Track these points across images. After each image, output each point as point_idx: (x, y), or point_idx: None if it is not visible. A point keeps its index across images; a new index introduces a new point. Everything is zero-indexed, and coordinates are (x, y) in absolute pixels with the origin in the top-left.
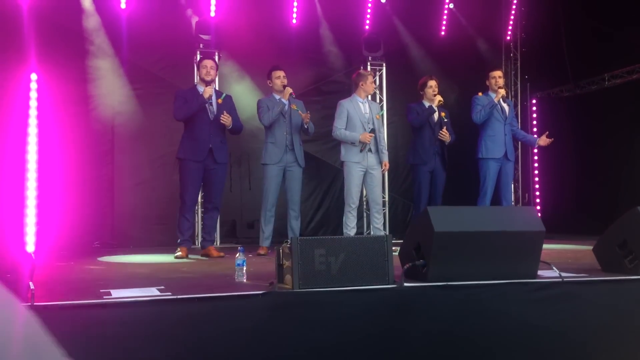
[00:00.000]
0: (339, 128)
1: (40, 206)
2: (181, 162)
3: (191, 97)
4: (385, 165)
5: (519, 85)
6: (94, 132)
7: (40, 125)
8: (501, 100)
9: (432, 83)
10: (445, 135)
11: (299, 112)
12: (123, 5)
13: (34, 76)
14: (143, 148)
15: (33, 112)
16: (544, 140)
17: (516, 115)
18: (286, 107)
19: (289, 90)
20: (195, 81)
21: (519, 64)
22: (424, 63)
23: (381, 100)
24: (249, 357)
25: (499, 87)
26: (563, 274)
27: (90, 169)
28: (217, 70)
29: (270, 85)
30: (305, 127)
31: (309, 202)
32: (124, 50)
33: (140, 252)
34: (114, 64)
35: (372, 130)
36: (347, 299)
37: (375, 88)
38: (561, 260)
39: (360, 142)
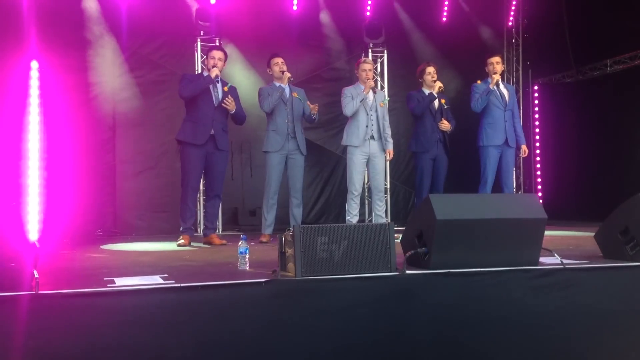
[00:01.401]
0: (346, 103)
1: (42, 195)
2: (182, 148)
3: (198, 78)
4: (389, 153)
5: (520, 72)
6: (95, 120)
7: (40, 114)
8: (501, 86)
9: (430, 69)
10: (445, 125)
11: (308, 102)
12: None
13: (34, 64)
14: (144, 136)
15: (34, 100)
16: (524, 151)
17: (518, 101)
18: (286, 92)
19: (287, 75)
20: (200, 70)
21: (520, 50)
22: (426, 50)
23: (382, 87)
24: (252, 344)
25: (494, 73)
26: (564, 261)
27: (91, 157)
28: (225, 62)
29: (270, 73)
30: (313, 117)
31: (311, 190)
32: (124, 38)
33: (142, 240)
34: (115, 51)
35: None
36: (350, 286)
37: (375, 76)
38: (563, 247)
39: (365, 90)
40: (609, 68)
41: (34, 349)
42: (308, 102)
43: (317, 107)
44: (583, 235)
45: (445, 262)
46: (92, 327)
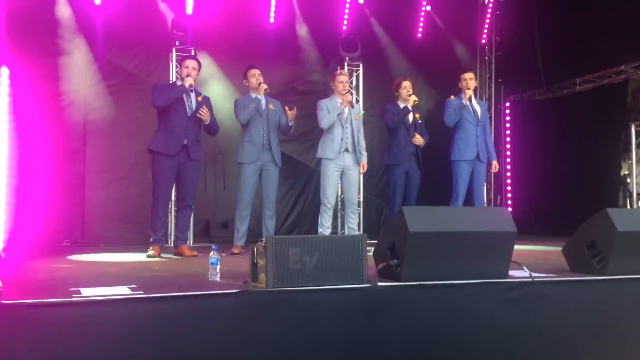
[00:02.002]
0: (323, 116)
1: (8, 204)
2: (154, 158)
3: (171, 87)
4: (363, 166)
5: (493, 88)
6: (65, 129)
7: (10, 121)
8: (473, 102)
9: (406, 84)
10: (418, 139)
11: (286, 108)
12: (98, 2)
13: (4, 70)
14: (116, 146)
15: (3, 108)
16: (495, 167)
17: (490, 117)
18: (262, 103)
19: (264, 86)
20: (173, 79)
21: (493, 67)
22: (401, 64)
23: (358, 101)
24: (222, 356)
25: (467, 88)
26: (533, 274)
27: (61, 166)
28: (199, 71)
29: (247, 84)
30: (290, 124)
31: (284, 202)
32: (98, 47)
33: (111, 250)
34: (88, 60)
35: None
36: (321, 298)
37: (350, 89)
38: (531, 261)
39: (342, 104)
40: (578, 86)
41: None
42: (287, 107)
43: (295, 112)
44: (551, 250)
45: (417, 274)
46: (57, 339)
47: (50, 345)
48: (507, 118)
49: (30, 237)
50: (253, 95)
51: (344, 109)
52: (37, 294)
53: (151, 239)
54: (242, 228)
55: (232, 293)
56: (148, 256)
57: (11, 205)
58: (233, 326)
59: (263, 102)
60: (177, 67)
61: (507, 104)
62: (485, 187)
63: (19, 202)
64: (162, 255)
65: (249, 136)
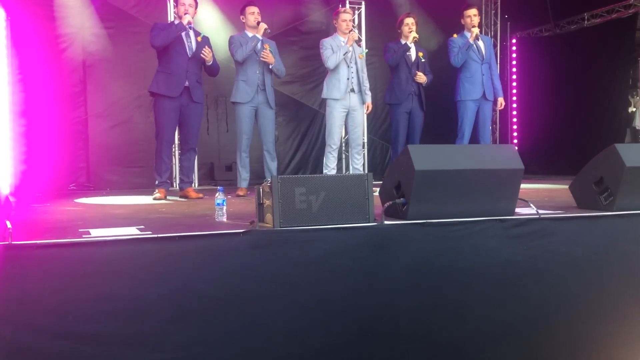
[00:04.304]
0: (328, 55)
1: (13, 149)
2: (155, 100)
3: (169, 27)
4: (368, 107)
5: (498, 25)
6: (65, 73)
7: (9, 65)
8: (476, 39)
9: (409, 20)
10: (420, 77)
11: (269, 52)
12: None
13: (1, 13)
14: (117, 89)
15: (2, 52)
16: (500, 104)
17: (495, 54)
18: (259, 44)
19: (264, 26)
20: (172, 19)
21: (499, 3)
22: (404, 1)
23: (360, 40)
24: (230, 294)
25: (473, 26)
26: (540, 211)
27: (63, 110)
28: (196, 8)
29: (244, 20)
30: (270, 67)
31: (288, 144)
32: None
33: (117, 194)
34: (84, 1)
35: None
36: (328, 236)
37: (353, 27)
38: (538, 199)
39: (348, 42)
40: (586, 22)
41: (10, 298)
42: (269, 51)
43: (270, 56)
44: (558, 188)
45: (423, 213)
46: (67, 278)
47: (60, 284)
48: (514, 55)
49: (37, 182)
50: (249, 33)
51: (349, 47)
52: (47, 236)
53: (156, 182)
54: (244, 170)
55: (240, 232)
56: (154, 199)
57: (18, 150)
58: (241, 265)
59: (260, 39)
60: (174, 7)
61: (514, 41)
62: (491, 126)
63: (21, 148)
64: (168, 197)
65: (244, 75)
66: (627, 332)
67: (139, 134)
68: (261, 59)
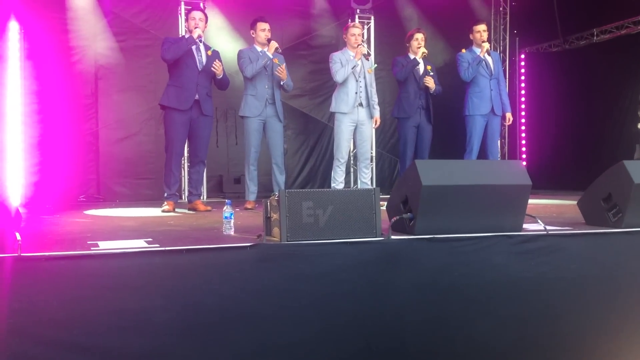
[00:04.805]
0: (337, 69)
1: (24, 161)
2: (165, 113)
3: (180, 40)
4: (376, 121)
5: (507, 40)
6: (77, 85)
7: (22, 77)
8: (486, 54)
9: (419, 36)
10: (429, 81)
11: (279, 67)
12: None
13: (14, 25)
14: (128, 102)
15: (15, 63)
16: (508, 119)
17: (504, 70)
18: (269, 60)
19: (275, 44)
20: (182, 33)
21: (508, 18)
22: (413, 16)
23: (369, 54)
24: (237, 307)
25: (483, 42)
26: (548, 227)
27: (75, 122)
28: (206, 22)
29: (254, 35)
30: (282, 83)
31: (296, 158)
32: (106, 1)
33: (126, 206)
34: (97, 14)
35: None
36: (335, 251)
37: (362, 42)
38: (546, 214)
39: (356, 57)
40: (595, 37)
41: (18, 310)
42: (279, 67)
43: (284, 71)
44: (566, 204)
45: (430, 228)
46: (76, 290)
47: (68, 296)
48: (522, 70)
49: (48, 193)
50: (258, 48)
51: (358, 61)
52: (56, 248)
53: (165, 194)
54: (252, 183)
55: (247, 246)
56: (163, 211)
57: (30, 161)
58: (247, 279)
59: (270, 57)
60: (185, 21)
61: (522, 56)
62: (499, 141)
63: (32, 159)
64: (176, 210)
65: (253, 90)
66: (638, 349)
67: (148, 146)
68: (276, 73)
